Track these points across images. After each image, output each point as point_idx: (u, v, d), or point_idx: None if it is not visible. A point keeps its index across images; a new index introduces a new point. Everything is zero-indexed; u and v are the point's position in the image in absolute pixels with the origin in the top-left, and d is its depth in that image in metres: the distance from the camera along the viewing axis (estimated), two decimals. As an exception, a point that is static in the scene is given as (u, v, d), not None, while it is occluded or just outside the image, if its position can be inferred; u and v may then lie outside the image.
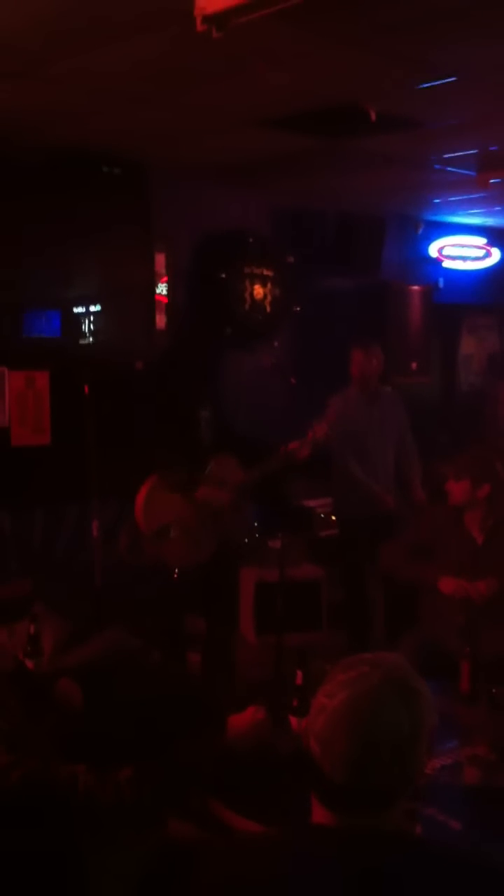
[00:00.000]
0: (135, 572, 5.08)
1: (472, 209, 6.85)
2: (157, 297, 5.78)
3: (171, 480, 4.24)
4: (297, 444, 4.27)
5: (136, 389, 5.15)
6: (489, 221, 7.46)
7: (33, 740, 2.27)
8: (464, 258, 7.70)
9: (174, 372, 4.60)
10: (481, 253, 7.79)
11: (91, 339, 5.32)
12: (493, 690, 2.95)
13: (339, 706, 1.47)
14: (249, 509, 4.37)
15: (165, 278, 5.91)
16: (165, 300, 5.94)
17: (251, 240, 5.93)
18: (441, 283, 7.54)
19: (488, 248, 7.81)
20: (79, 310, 5.31)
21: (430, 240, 7.47)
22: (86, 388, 4.75)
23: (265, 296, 5.99)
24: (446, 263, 7.60)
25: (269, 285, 6.00)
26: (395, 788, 1.47)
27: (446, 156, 5.11)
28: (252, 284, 5.92)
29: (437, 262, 7.55)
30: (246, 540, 4.61)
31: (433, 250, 7.51)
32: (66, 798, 2.03)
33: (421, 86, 3.85)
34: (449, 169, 5.41)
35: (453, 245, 7.60)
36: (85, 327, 5.33)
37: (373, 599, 5.30)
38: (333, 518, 5.78)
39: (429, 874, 1.39)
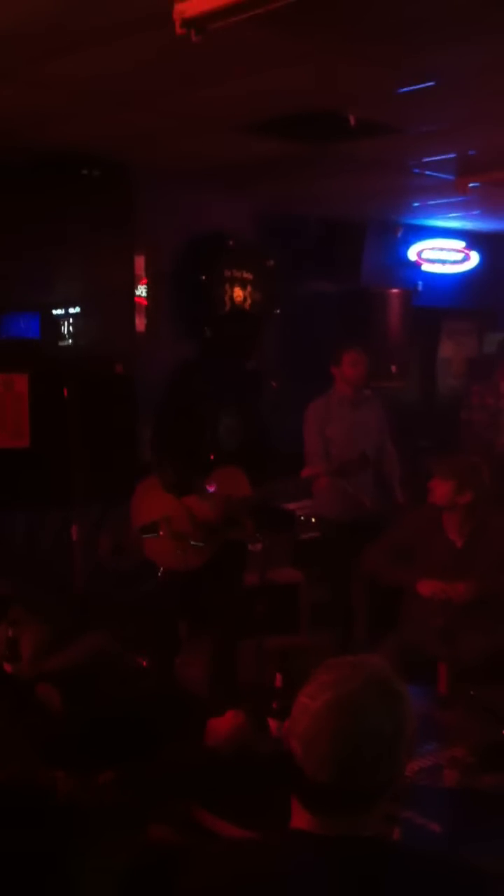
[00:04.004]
0: (116, 576, 5.07)
1: (451, 213, 6.89)
2: (136, 300, 5.78)
3: (167, 481, 4.21)
4: (311, 472, 4.26)
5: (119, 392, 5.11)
6: (468, 225, 7.50)
7: (13, 745, 2.26)
8: (443, 262, 7.74)
9: (187, 378, 4.46)
10: (460, 256, 7.84)
11: (70, 341, 5.30)
12: (472, 693, 2.96)
13: (322, 707, 1.47)
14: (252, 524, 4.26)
15: (145, 280, 5.90)
16: (145, 302, 5.93)
17: (231, 243, 5.93)
18: (420, 287, 7.57)
19: (467, 251, 7.85)
20: (58, 312, 5.29)
21: (409, 243, 7.50)
22: (65, 391, 4.73)
23: (245, 299, 5.99)
24: (425, 267, 7.64)
25: (248, 288, 6.00)
26: (376, 790, 1.48)
27: (426, 160, 5.14)
28: (232, 287, 5.92)
29: (416, 266, 7.58)
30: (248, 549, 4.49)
31: (412, 254, 7.54)
32: (46, 802, 2.02)
33: (400, 91, 3.87)
34: (428, 173, 5.43)
35: (432, 249, 7.64)
36: (64, 329, 5.32)
37: (354, 602, 5.31)
38: (314, 520, 5.78)
39: (411, 880, 1.40)
